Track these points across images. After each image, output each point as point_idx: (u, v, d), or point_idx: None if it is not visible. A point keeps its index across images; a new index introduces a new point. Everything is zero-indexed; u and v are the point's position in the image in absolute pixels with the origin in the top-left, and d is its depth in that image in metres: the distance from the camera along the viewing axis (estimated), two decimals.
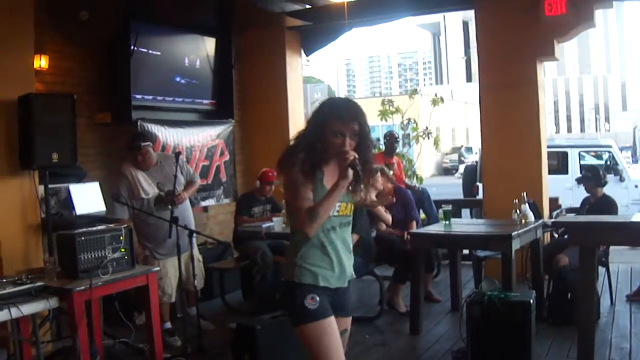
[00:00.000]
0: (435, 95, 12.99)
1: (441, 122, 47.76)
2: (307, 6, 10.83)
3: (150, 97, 9.11)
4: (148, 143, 7.25)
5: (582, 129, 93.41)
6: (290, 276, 3.71)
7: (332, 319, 3.68)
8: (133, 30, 8.50)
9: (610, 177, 15.53)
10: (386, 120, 12.69)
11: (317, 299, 3.64)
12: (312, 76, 63.20)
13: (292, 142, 3.74)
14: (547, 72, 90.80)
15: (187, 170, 7.57)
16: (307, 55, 11.94)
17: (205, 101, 10.18)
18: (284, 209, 8.64)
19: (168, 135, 9.10)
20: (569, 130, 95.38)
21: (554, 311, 7.31)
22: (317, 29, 11.23)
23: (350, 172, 3.52)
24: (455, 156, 48.36)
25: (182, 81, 9.67)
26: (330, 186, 3.62)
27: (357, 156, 3.57)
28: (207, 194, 9.97)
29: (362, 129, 3.64)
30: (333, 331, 3.67)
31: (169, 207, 6.88)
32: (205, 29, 10.03)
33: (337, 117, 3.61)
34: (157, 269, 6.35)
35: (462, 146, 51.09)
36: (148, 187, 7.12)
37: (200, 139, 9.79)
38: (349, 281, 3.89)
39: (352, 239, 3.92)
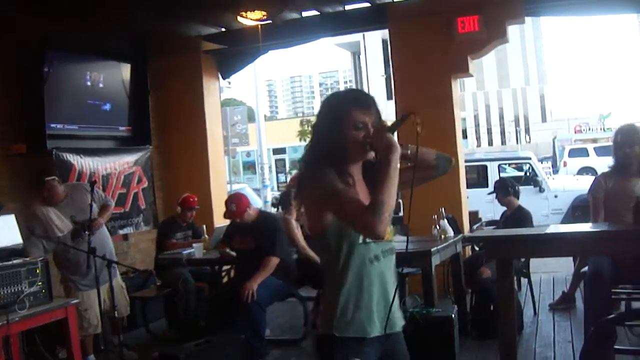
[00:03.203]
0: None
1: None
2: (222, 29, 10.86)
3: (66, 126, 8.96)
4: (52, 177, 7.08)
5: (503, 142, 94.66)
6: (328, 328, 2.96)
7: None
8: (47, 57, 8.40)
9: (530, 188, 15.97)
10: (305, 140, 12.75)
11: None
12: (233, 98, 62.96)
13: (304, 162, 3.08)
14: (466, 87, 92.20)
15: (99, 195, 7.45)
16: (224, 79, 11.93)
17: (121, 127, 10.01)
18: (204, 234, 8.66)
19: (84, 164, 8.96)
20: (490, 143, 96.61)
21: (478, 324, 7.35)
22: (234, 52, 11.18)
23: (393, 138, 2.89)
24: None
25: (96, 103, 9.48)
26: (362, 191, 3.02)
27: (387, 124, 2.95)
28: (125, 222, 9.78)
29: (378, 118, 3.02)
30: None
31: (87, 234, 6.74)
32: (121, 55, 9.91)
33: (357, 104, 2.99)
34: (76, 301, 6.26)
35: None
36: (61, 224, 6.96)
37: (117, 166, 9.65)
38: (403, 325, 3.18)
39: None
